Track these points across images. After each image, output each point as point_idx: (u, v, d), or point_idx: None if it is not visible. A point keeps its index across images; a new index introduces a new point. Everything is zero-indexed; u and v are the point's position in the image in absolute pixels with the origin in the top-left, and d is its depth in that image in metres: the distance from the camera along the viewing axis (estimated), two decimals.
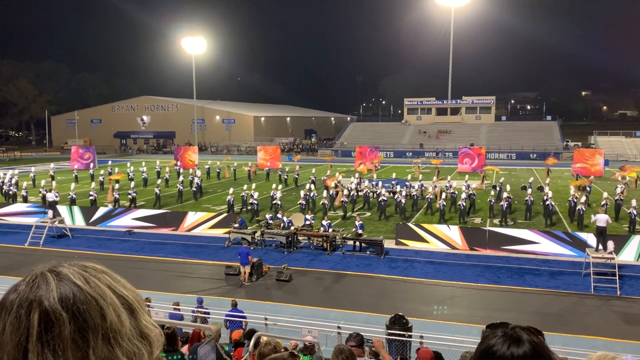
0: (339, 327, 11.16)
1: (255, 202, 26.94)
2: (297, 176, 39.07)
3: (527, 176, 36.49)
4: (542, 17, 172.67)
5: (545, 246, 20.23)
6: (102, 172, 40.03)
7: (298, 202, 28.33)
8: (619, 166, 37.74)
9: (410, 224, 23.08)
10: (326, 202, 26.93)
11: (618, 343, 12.67)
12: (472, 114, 75.03)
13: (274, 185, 30.26)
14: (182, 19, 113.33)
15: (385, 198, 27.17)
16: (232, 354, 8.50)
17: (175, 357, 6.02)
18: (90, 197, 29.50)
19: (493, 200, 27.03)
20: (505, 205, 25.21)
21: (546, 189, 28.71)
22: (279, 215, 23.43)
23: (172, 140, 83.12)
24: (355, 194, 31.10)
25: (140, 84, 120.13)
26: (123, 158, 66.62)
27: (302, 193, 28.50)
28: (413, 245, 21.57)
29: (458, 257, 20.27)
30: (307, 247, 21.58)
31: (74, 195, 29.64)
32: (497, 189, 30.99)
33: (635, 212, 23.03)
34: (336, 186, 31.10)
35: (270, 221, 23.03)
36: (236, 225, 22.61)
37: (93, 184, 32.81)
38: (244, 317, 12.40)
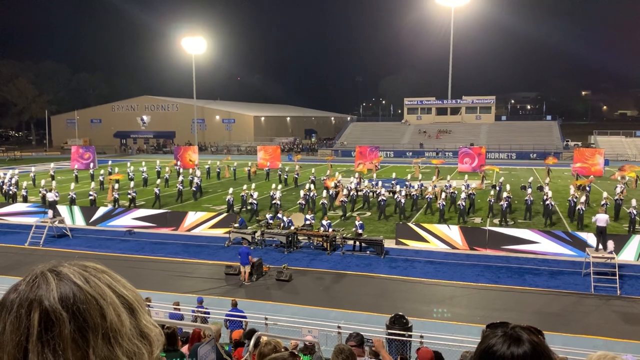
0: (339, 327, 11.17)
1: (255, 202, 26.95)
2: (296, 176, 39.07)
3: (527, 176, 36.49)
4: (542, 17, 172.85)
5: (545, 246, 20.23)
6: (102, 172, 40.02)
7: (298, 202, 28.34)
8: (619, 166, 37.72)
9: (410, 224, 23.08)
10: (326, 202, 26.94)
11: (618, 343, 12.67)
12: (472, 113, 75.03)
13: (273, 185, 30.26)
14: (182, 19, 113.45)
15: (384, 198, 27.17)
16: (232, 353, 8.49)
17: (175, 357, 6.02)
18: (90, 197, 29.50)
19: (493, 200, 27.02)
20: (505, 205, 25.21)
21: (546, 189, 28.72)
22: (279, 215, 23.43)
23: (172, 140, 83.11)
24: (355, 193, 31.11)
25: (140, 83, 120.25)
26: (123, 158, 66.61)
27: (301, 193, 28.51)
28: (413, 245, 21.57)
29: (458, 256, 20.27)
30: (307, 247, 21.58)
31: (74, 195, 29.63)
32: (497, 188, 30.99)
33: (635, 211, 23.03)
34: (336, 186, 31.10)
35: (271, 221, 23.04)
36: (236, 225, 22.61)
37: (93, 184, 32.80)
38: (244, 316, 12.41)
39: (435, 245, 21.37)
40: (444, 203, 26.68)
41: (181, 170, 42.35)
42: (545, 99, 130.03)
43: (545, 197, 26.24)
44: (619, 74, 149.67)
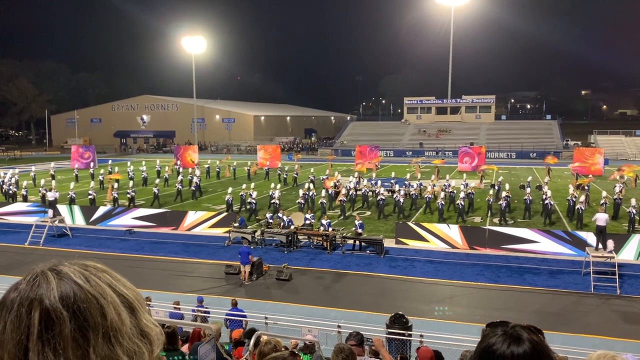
0: (339, 326, 11.18)
1: (254, 201, 26.95)
2: (296, 175, 39.08)
3: (527, 175, 36.46)
4: (542, 17, 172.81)
5: (545, 245, 20.24)
6: (102, 171, 40.03)
7: (297, 202, 28.34)
8: (619, 166, 37.70)
9: (410, 223, 23.08)
10: (325, 201, 26.94)
11: (618, 342, 12.68)
12: (472, 113, 74.97)
13: (272, 185, 30.27)
14: (182, 18, 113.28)
15: (383, 197, 27.17)
16: (232, 353, 8.50)
17: (175, 356, 6.02)
18: (90, 197, 29.51)
19: (492, 200, 27.04)
20: (504, 204, 25.21)
21: (545, 188, 28.74)
22: (280, 215, 23.44)
23: (172, 139, 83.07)
24: (354, 193, 31.10)
25: (140, 83, 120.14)
26: (123, 157, 66.60)
27: (300, 192, 28.52)
28: (413, 244, 21.57)
29: (458, 256, 20.28)
30: (307, 247, 21.58)
31: (74, 195, 29.62)
32: (496, 188, 31.00)
33: (634, 211, 23.04)
34: (336, 186, 31.09)
35: (271, 220, 23.05)
36: (236, 224, 22.62)
37: (92, 183, 32.79)
38: (244, 316, 12.41)
39: (435, 244, 21.37)
40: (443, 202, 26.70)
41: (181, 170, 42.31)
42: (545, 98, 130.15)
43: (544, 197, 26.25)
44: (619, 73, 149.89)
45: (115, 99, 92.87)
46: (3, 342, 0.87)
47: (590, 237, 19.39)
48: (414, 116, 77.05)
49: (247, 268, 17.32)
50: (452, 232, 21.46)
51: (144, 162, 45.69)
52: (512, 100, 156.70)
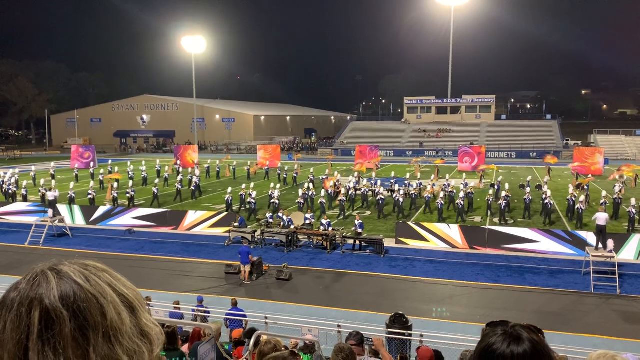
0: (339, 326, 11.18)
1: (253, 201, 26.94)
2: (295, 175, 39.08)
3: (527, 175, 36.46)
4: (542, 16, 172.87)
5: (545, 245, 20.24)
6: (102, 171, 40.04)
7: (296, 201, 28.34)
8: (619, 166, 37.70)
9: (410, 223, 23.08)
10: (324, 201, 26.94)
11: (618, 342, 12.68)
12: (472, 112, 74.96)
13: (272, 185, 30.28)
14: (182, 18, 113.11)
15: (383, 197, 27.16)
16: (232, 352, 8.50)
17: (175, 355, 6.02)
18: (89, 196, 29.50)
19: (491, 199, 27.04)
20: (504, 204, 25.20)
21: (544, 188, 28.73)
22: (280, 214, 23.44)
23: (172, 139, 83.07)
24: (354, 192, 31.09)
25: (140, 83, 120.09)
26: (123, 157, 66.60)
27: (300, 192, 28.52)
28: (413, 244, 21.57)
29: (458, 255, 20.28)
30: (307, 246, 21.58)
31: (73, 194, 29.62)
32: (496, 187, 31.00)
33: (634, 210, 23.03)
34: (336, 186, 31.08)
35: (271, 220, 23.04)
36: (236, 224, 22.62)
37: (92, 183, 32.80)
38: (244, 316, 12.41)
39: (435, 244, 21.37)
40: (443, 202, 26.70)
41: (181, 170, 42.28)
42: (545, 98, 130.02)
43: (544, 196, 26.25)
44: (619, 73, 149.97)
45: (115, 99, 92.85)
46: (3, 342, 0.87)
47: (590, 237, 19.39)
48: (414, 116, 77.04)
49: (247, 268, 17.33)
50: (452, 231, 21.46)
51: (144, 162, 45.68)
52: (512, 100, 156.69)
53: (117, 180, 34.53)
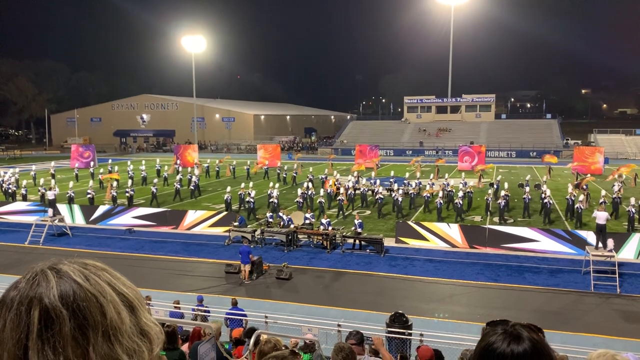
0: (339, 325, 11.18)
1: (252, 200, 26.94)
2: (295, 175, 39.08)
3: (527, 174, 36.46)
4: (542, 16, 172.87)
5: (545, 244, 20.24)
6: (101, 170, 40.06)
7: (295, 201, 28.34)
8: (618, 165, 37.69)
9: (410, 222, 23.08)
10: (323, 200, 26.94)
11: (618, 341, 12.68)
12: (472, 112, 74.96)
13: (271, 184, 30.27)
14: (182, 17, 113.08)
15: (382, 196, 27.16)
16: (232, 352, 8.50)
17: (175, 355, 6.02)
18: (88, 196, 29.49)
19: (490, 199, 27.06)
20: (503, 203, 25.20)
21: (544, 187, 28.72)
22: (280, 214, 23.44)
23: (172, 138, 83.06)
24: (353, 192, 31.09)
25: (140, 82, 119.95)
26: (123, 156, 66.59)
27: (299, 191, 28.53)
28: (413, 243, 21.57)
29: (458, 255, 20.28)
30: (307, 246, 21.58)
31: (72, 194, 29.61)
32: (495, 187, 31.01)
33: (634, 210, 23.03)
34: (336, 185, 31.07)
35: (270, 219, 23.04)
36: (236, 223, 22.62)
37: (91, 182, 32.79)
38: (244, 315, 12.41)
39: (435, 243, 21.37)
40: (442, 202, 26.71)
41: (180, 169, 42.28)
42: (545, 97, 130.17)
43: (543, 196, 26.24)
44: (619, 72, 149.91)
45: (115, 98, 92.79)
46: (3, 341, 0.87)
47: (590, 236, 19.39)
48: (414, 115, 77.03)
49: (247, 267, 17.33)
50: (452, 231, 21.46)
51: (143, 162, 45.66)
52: (512, 99, 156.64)
53: (117, 180, 34.54)
